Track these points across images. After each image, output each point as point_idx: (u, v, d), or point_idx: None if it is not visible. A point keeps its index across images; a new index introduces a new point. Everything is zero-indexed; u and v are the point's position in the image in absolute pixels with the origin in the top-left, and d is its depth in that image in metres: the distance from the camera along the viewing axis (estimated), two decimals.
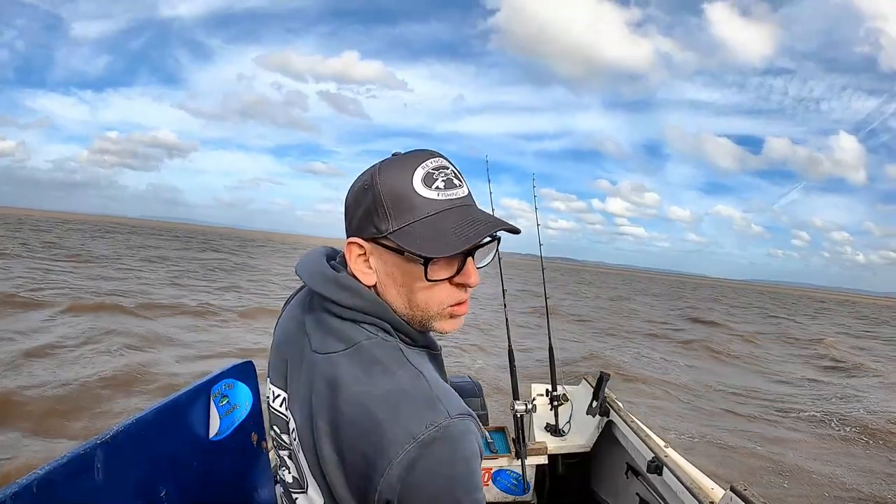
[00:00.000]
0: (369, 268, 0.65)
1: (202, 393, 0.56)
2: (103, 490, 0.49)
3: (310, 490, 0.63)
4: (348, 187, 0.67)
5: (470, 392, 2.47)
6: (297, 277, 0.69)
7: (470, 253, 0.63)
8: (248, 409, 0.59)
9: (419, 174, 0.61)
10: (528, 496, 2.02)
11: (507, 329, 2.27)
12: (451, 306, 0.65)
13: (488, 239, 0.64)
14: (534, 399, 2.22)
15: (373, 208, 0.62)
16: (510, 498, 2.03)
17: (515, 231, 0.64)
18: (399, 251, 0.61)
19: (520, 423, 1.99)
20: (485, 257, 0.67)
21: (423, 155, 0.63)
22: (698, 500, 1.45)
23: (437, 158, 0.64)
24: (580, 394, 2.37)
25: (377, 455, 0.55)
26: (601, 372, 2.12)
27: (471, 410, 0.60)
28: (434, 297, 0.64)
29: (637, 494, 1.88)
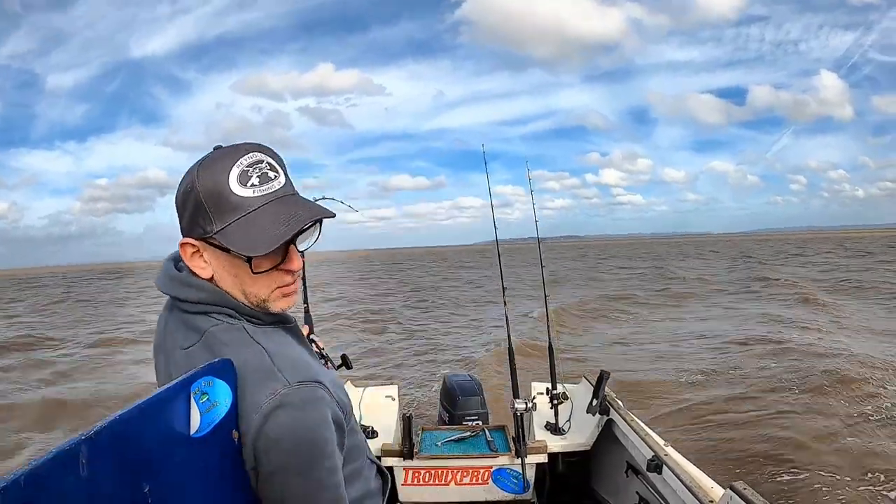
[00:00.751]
0: (205, 262, 0.69)
1: (182, 390, 0.57)
2: (88, 485, 0.50)
3: None
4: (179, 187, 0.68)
5: (470, 390, 2.47)
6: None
7: (291, 241, 0.69)
8: (228, 406, 0.60)
9: (234, 174, 0.65)
10: (528, 495, 2.02)
11: (507, 328, 2.27)
12: (280, 288, 0.71)
13: (310, 224, 0.69)
14: (534, 397, 2.22)
15: (196, 211, 0.66)
16: (510, 496, 2.03)
17: (330, 215, 0.70)
18: (226, 249, 0.67)
19: (520, 421, 1.99)
20: (307, 240, 0.73)
21: (239, 151, 0.67)
22: (698, 499, 1.44)
23: (253, 153, 0.67)
24: (580, 392, 2.36)
25: (247, 427, 0.62)
26: (601, 370, 2.11)
27: (319, 378, 0.65)
28: (264, 284, 0.70)
29: (637, 493, 1.87)
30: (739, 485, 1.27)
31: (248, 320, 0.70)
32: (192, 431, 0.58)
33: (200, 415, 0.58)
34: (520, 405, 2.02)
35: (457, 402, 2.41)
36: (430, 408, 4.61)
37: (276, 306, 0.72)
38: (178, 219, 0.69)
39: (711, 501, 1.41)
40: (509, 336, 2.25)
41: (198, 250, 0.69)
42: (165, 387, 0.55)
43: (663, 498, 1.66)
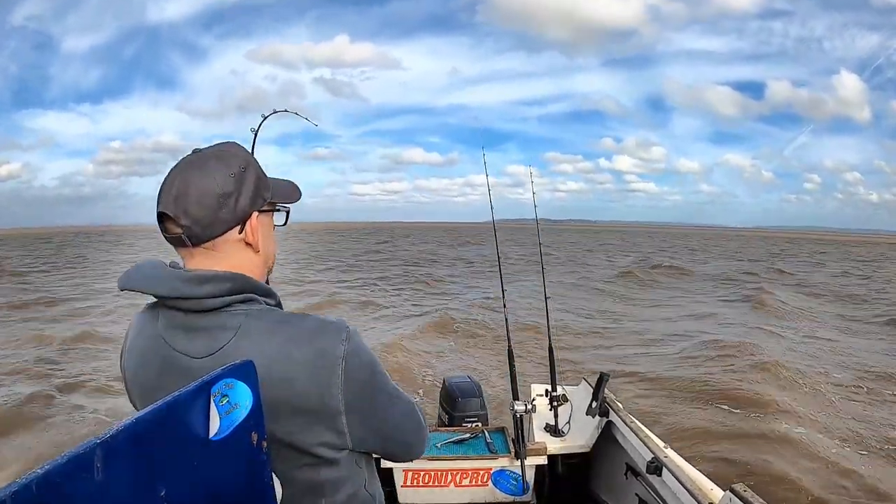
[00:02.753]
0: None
1: (202, 392, 0.56)
2: (102, 490, 0.49)
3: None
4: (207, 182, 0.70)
5: (469, 392, 2.47)
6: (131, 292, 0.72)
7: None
8: (249, 408, 0.59)
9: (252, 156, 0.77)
10: (528, 497, 2.02)
11: (507, 329, 2.27)
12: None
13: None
14: (533, 399, 2.22)
15: (259, 182, 0.75)
16: (510, 498, 2.03)
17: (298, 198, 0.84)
18: (273, 209, 0.79)
19: (519, 423, 1.99)
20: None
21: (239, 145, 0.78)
22: (697, 501, 1.44)
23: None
24: (580, 394, 2.37)
25: (329, 387, 0.70)
26: (601, 372, 2.12)
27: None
28: (274, 245, 0.82)
29: (636, 495, 1.88)
30: (739, 487, 1.28)
31: (265, 303, 0.74)
32: (211, 434, 0.57)
33: (220, 417, 0.57)
34: (519, 407, 2.02)
35: (456, 403, 2.40)
36: (430, 409, 4.61)
37: (273, 265, 0.83)
38: (228, 204, 0.71)
39: (711, 503, 1.42)
40: (508, 338, 2.25)
41: (255, 219, 0.75)
42: (185, 388, 0.54)
43: (663, 500, 1.67)
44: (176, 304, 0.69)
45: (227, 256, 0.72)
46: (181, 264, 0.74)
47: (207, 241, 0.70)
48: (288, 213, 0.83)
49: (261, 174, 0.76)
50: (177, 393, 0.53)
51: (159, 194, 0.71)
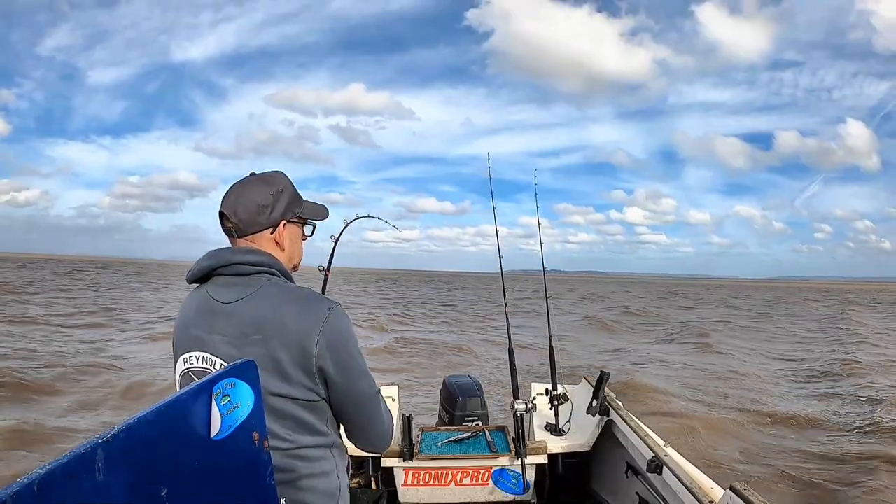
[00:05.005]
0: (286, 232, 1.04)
1: (204, 392, 0.56)
2: (104, 490, 0.49)
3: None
4: (239, 201, 1.01)
5: (470, 391, 2.46)
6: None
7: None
8: (250, 408, 0.59)
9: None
10: (528, 495, 2.02)
11: (508, 329, 2.27)
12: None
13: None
14: (534, 398, 2.22)
15: (292, 200, 1.05)
16: (510, 497, 2.03)
17: (326, 216, 1.15)
18: (302, 221, 1.09)
19: (520, 422, 1.99)
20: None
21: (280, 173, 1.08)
22: (698, 500, 1.44)
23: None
24: (580, 393, 2.37)
25: (309, 335, 0.91)
26: (601, 371, 2.12)
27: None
28: (301, 249, 1.11)
29: (637, 494, 1.88)
30: (739, 485, 1.28)
31: (284, 279, 1.00)
32: (213, 434, 0.56)
33: (221, 417, 0.57)
34: (520, 406, 2.02)
35: (457, 402, 2.40)
36: (431, 409, 4.61)
37: (298, 264, 1.11)
38: (257, 216, 0.99)
39: (711, 502, 1.41)
40: (510, 338, 2.25)
41: (283, 227, 1.03)
42: (186, 388, 0.54)
43: (663, 498, 1.67)
44: (224, 271, 0.96)
45: (261, 248, 1.00)
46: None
47: (248, 235, 1.00)
48: (314, 227, 1.13)
49: (294, 196, 1.06)
50: (178, 393, 0.52)
51: (223, 198, 1.01)
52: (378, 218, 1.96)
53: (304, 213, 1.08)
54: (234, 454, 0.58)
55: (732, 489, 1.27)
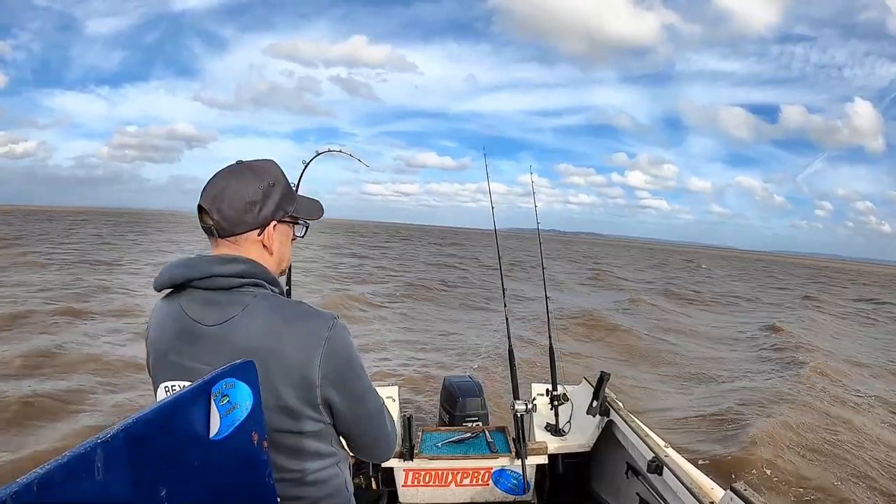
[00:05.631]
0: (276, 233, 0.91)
1: (203, 392, 0.56)
2: (103, 490, 0.49)
3: None
4: (227, 193, 0.87)
5: (470, 391, 2.46)
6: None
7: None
8: (249, 408, 0.59)
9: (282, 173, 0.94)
10: (529, 496, 2.02)
11: (507, 328, 2.27)
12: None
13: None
14: (534, 399, 2.22)
15: (284, 197, 0.91)
16: (510, 498, 2.03)
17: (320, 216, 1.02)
18: (294, 221, 0.95)
19: (520, 422, 1.99)
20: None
21: (275, 164, 0.94)
22: (698, 500, 1.44)
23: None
24: (580, 393, 2.37)
25: (310, 364, 0.81)
26: (601, 372, 2.12)
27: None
28: (290, 251, 0.97)
29: (637, 494, 1.87)
30: (740, 486, 1.28)
31: (271, 290, 0.88)
32: (212, 434, 0.57)
33: (220, 417, 0.57)
34: (520, 406, 2.02)
35: (457, 403, 2.40)
36: (431, 409, 4.62)
37: (287, 269, 0.99)
38: (243, 215, 0.86)
39: (712, 502, 1.41)
40: (509, 338, 2.25)
41: (273, 227, 0.90)
42: (185, 388, 0.54)
43: (664, 499, 1.67)
44: (200, 283, 0.83)
45: (245, 252, 0.87)
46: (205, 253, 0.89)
47: (231, 236, 0.86)
48: (307, 227, 0.99)
49: (287, 192, 0.92)
50: (177, 393, 0.53)
51: (203, 190, 0.87)
52: (350, 156, 1.79)
53: (296, 212, 0.94)
54: (234, 454, 0.59)
55: (733, 489, 1.27)
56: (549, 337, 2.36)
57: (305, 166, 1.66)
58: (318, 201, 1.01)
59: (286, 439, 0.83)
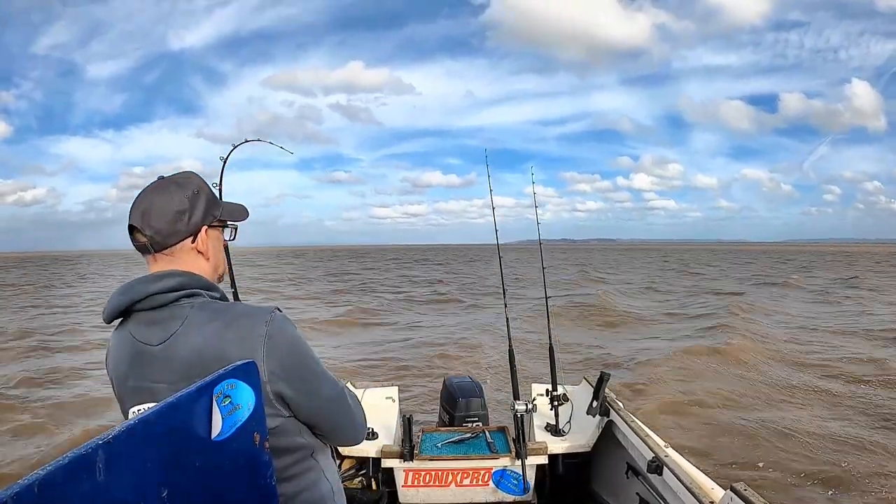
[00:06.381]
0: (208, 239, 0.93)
1: (204, 393, 0.56)
2: (105, 490, 0.49)
3: None
4: (155, 204, 0.89)
5: (470, 392, 2.46)
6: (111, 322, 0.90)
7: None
8: (251, 409, 0.59)
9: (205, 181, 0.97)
10: (529, 496, 2.02)
11: (508, 329, 2.27)
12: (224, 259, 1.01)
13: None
14: (534, 399, 2.22)
15: (210, 203, 0.93)
16: (510, 498, 2.03)
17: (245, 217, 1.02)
18: (223, 225, 0.97)
19: (520, 422, 1.99)
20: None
21: (193, 174, 0.96)
22: (698, 501, 1.44)
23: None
24: (580, 394, 2.37)
25: (253, 354, 0.81)
26: (601, 372, 2.12)
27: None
28: (223, 256, 0.99)
29: (637, 494, 1.87)
30: (740, 486, 1.28)
31: (209, 296, 0.89)
32: (214, 435, 0.56)
33: (222, 418, 0.57)
34: (520, 406, 2.01)
35: (457, 403, 2.40)
36: (431, 409, 4.62)
37: (223, 273, 1.00)
38: (173, 225, 0.87)
39: (712, 502, 1.41)
40: (510, 338, 2.25)
41: (206, 232, 0.92)
42: (187, 389, 0.54)
43: (664, 499, 1.67)
44: (142, 305, 0.85)
45: (183, 262, 0.89)
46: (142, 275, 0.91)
47: (166, 248, 0.88)
48: (235, 229, 1.02)
49: (211, 198, 0.94)
50: (179, 394, 0.53)
51: (130, 211, 0.88)
52: (271, 143, 1.83)
53: (223, 216, 0.96)
54: (235, 455, 0.58)
55: (733, 490, 1.27)
56: (549, 337, 2.36)
57: (224, 161, 1.62)
58: (241, 205, 1.02)
59: None
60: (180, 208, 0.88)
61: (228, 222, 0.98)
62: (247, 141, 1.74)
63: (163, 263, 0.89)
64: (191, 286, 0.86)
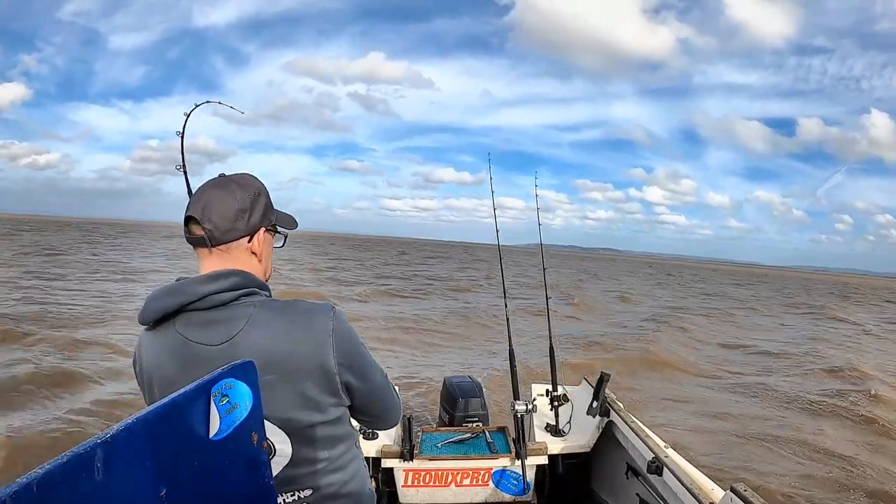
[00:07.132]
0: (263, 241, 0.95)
1: (202, 392, 0.56)
2: (103, 490, 0.49)
3: (277, 446, 0.84)
4: (220, 201, 0.90)
5: (470, 392, 2.46)
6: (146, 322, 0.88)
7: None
8: (249, 408, 0.59)
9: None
10: (529, 496, 2.02)
11: (508, 328, 2.27)
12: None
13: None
14: (534, 399, 2.22)
15: (267, 207, 0.95)
16: (510, 498, 2.03)
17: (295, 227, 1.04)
18: (275, 230, 0.98)
19: (520, 423, 1.99)
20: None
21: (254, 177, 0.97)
22: (698, 501, 1.44)
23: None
24: (580, 394, 2.37)
25: (325, 355, 0.86)
26: (602, 372, 2.12)
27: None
28: (271, 262, 1.00)
29: (637, 495, 1.87)
30: (740, 486, 1.28)
31: (266, 296, 0.90)
32: (212, 434, 0.57)
33: (220, 417, 0.57)
34: (520, 407, 2.02)
35: (457, 403, 2.40)
36: (431, 409, 4.62)
37: (269, 276, 1.01)
38: (243, 217, 0.90)
39: (712, 503, 1.41)
40: (510, 338, 2.25)
41: (262, 234, 0.94)
42: (184, 389, 0.54)
43: (664, 499, 1.67)
44: (194, 306, 0.83)
45: (237, 260, 0.90)
46: (188, 276, 0.90)
47: (223, 244, 0.88)
48: (286, 237, 1.03)
49: (269, 203, 0.96)
50: (177, 393, 0.53)
51: (189, 203, 0.89)
52: (221, 103, 1.78)
53: (277, 221, 0.98)
54: (233, 454, 0.59)
55: (733, 490, 1.27)
56: (549, 338, 2.36)
57: (187, 118, 1.60)
58: (291, 215, 1.05)
59: (316, 432, 0.87)
60: (242, 207, 0.89)
61: (279, 228, 0.99)
62: (196, 106, 1.69)
63: (217, 258, 0.89)
64: (248, 285, 0.87)
